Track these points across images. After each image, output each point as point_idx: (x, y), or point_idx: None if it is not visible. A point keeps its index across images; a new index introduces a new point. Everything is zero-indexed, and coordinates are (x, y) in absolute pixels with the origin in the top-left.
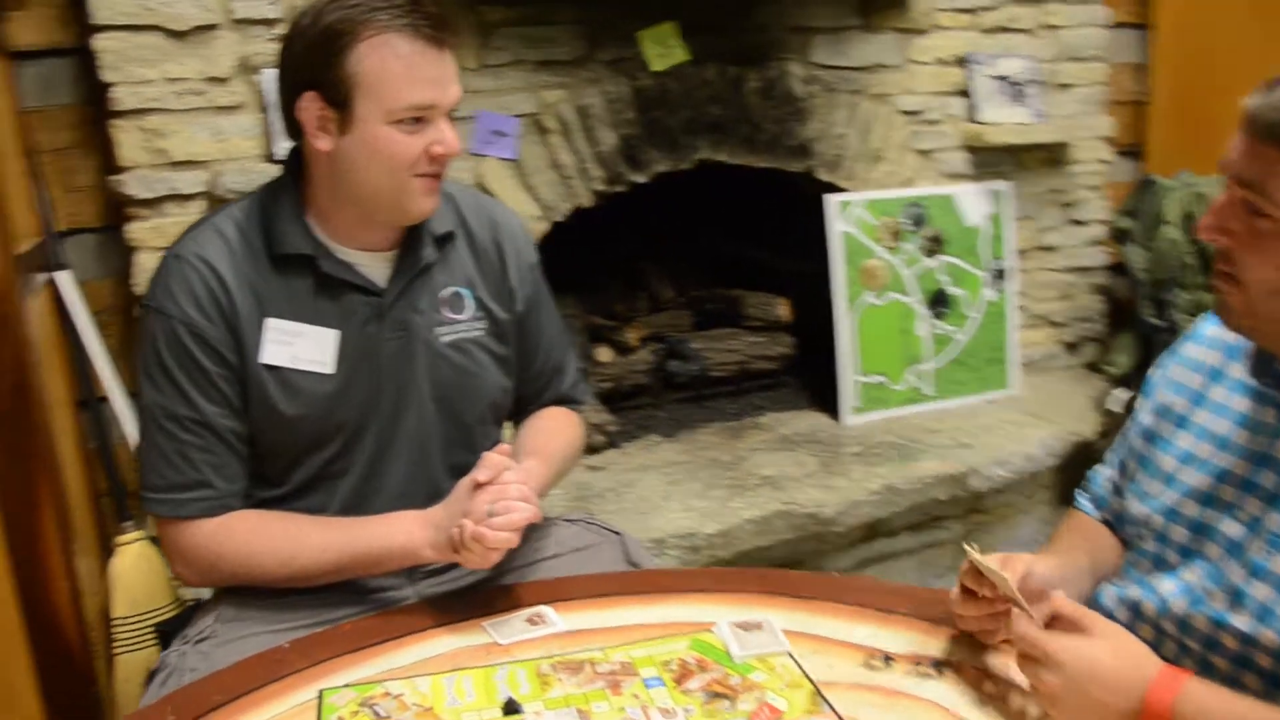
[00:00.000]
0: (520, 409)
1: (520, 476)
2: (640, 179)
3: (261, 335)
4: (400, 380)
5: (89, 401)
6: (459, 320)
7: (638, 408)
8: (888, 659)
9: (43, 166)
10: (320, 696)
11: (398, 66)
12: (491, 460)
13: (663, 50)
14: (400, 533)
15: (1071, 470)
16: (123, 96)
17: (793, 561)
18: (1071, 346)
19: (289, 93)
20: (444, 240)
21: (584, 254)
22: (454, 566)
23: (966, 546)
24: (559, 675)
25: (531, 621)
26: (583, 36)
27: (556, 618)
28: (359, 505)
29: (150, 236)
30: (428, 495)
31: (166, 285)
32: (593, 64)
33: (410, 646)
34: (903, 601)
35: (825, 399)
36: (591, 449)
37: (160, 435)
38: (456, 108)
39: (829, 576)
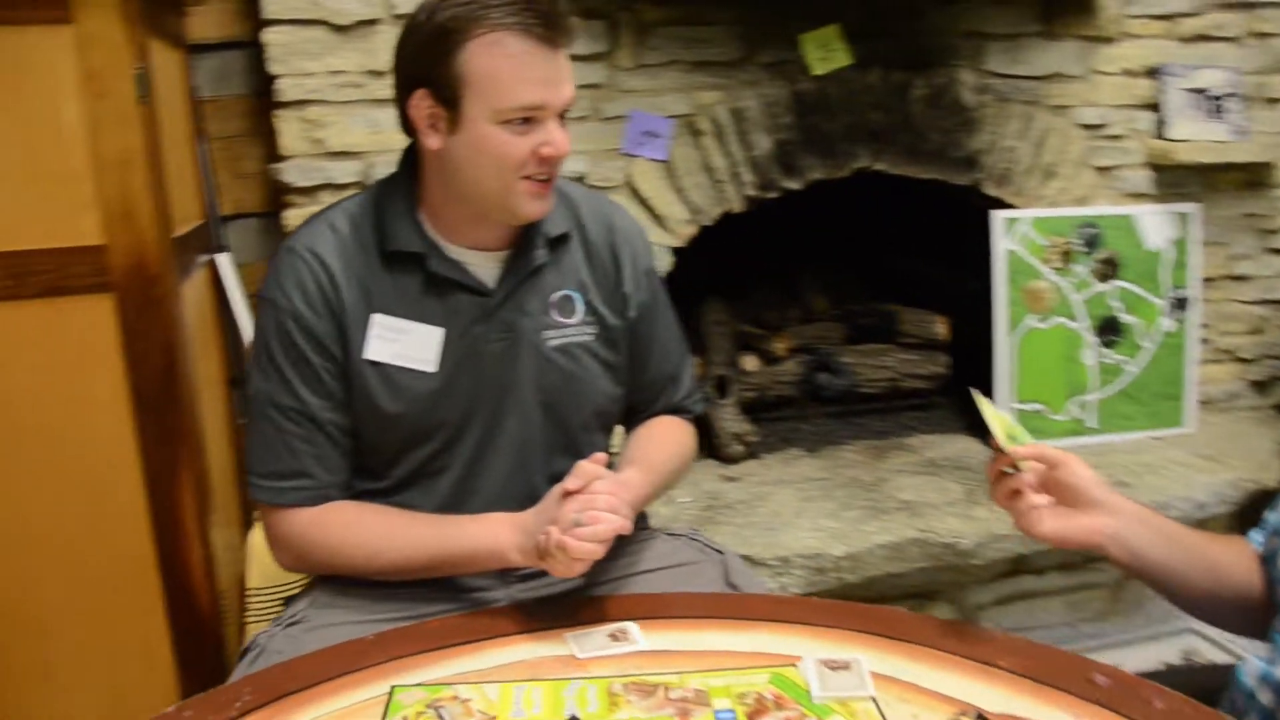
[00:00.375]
0: (631, 417)
1: (610, 488)
2: (794, 186)
3: (366, 330)
4: (504, 382)
5: (239, 379)
6: (568, 324)
7: (781, 419)
8: (980, 718)
9: (212, 153)
10: (391, 693)
11: (507, 66)
12: (583, 469)
13: (825, 54)
14: (488, 534)
15: (1246, 522)
16: (286, 88)
17: (928, 592)
18: (1260, 386)
19: (402, 90)
20: (557, 242)
21: (735, 260)
22: (547, 572)
23: (973, 391)
24: (629, 696)
25: (614, 637)
26: (741, 38)
27: (639, 636)
28: (457, 504)
29: None
30: (526, 499)
31: (278, 277)
32: (750, 66)
33: (489, 650)
34: (1009, 655)
35: (978, 424)
36: (728, 458)
37: (265, 423)
38: (569, 108)
39: (931, 619)
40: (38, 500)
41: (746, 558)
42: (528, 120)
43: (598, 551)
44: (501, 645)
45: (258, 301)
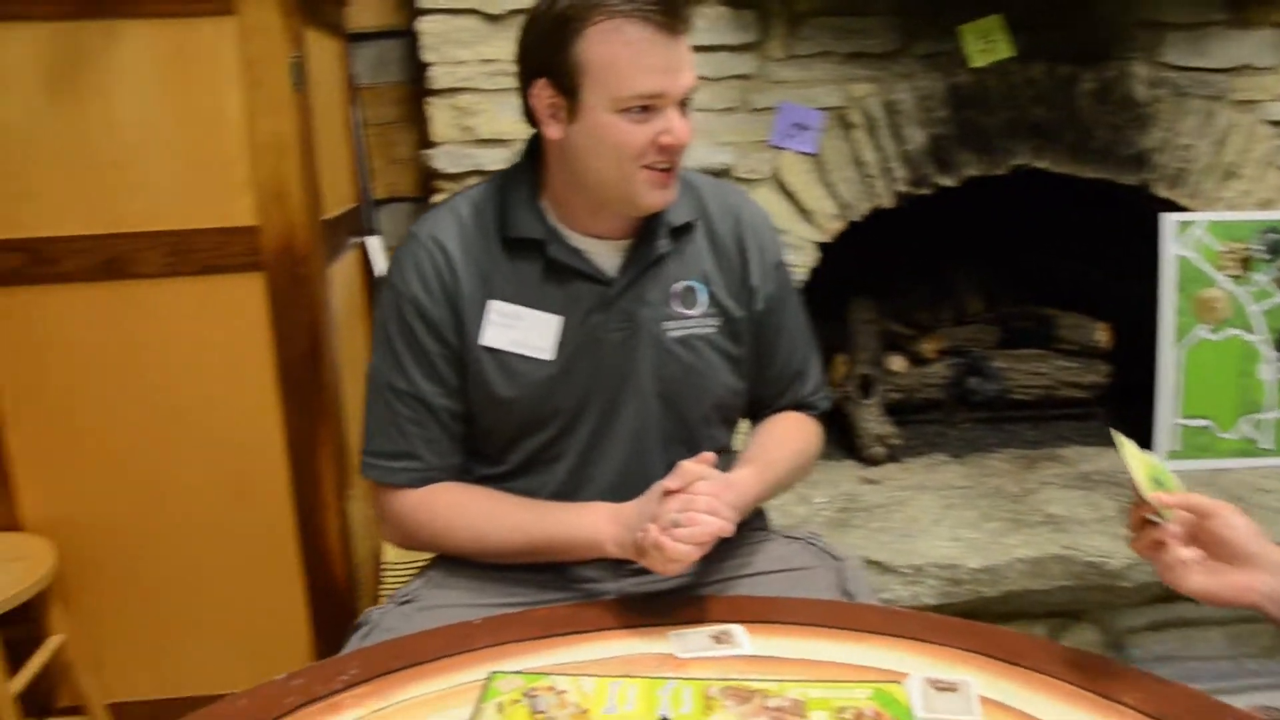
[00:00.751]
0: (756, 412)
1: (713, 488)
2: (948, 182)
3: (484, 317)
4: (622, 372)
5: None
6: (689, 316)
7: (926, 423)
8: None
9: (368, 138)
10: (489, 678)
11: (625, 54)
12: (685, 469)
13: (985, 45)
14: (588, 524)
15: None
16: (438, 76)
17: (1072, 612)
18: None
19: (523, 80)
20: (681, 232)
21: (885, 257)
22: None
23: (1114, 433)
24: (725, 701)
25: (717, 639)
26: (898, 29)
27: (744, 639)
28: (572, 492)
29: None
30: (642, 489)
31: (400, 262)
32: (906, 58)
33: (592, 643)
34: (1135, 691)
35: (1140, 439)
36: (869, 460)
37: (379, 403)
38: (690, 96)
39: (1053, 645)
40: (191, 465)
41: (878, 564)
42: (646, 109)
43: (694, 553)
44: (604, 638)
45: (384, 285)
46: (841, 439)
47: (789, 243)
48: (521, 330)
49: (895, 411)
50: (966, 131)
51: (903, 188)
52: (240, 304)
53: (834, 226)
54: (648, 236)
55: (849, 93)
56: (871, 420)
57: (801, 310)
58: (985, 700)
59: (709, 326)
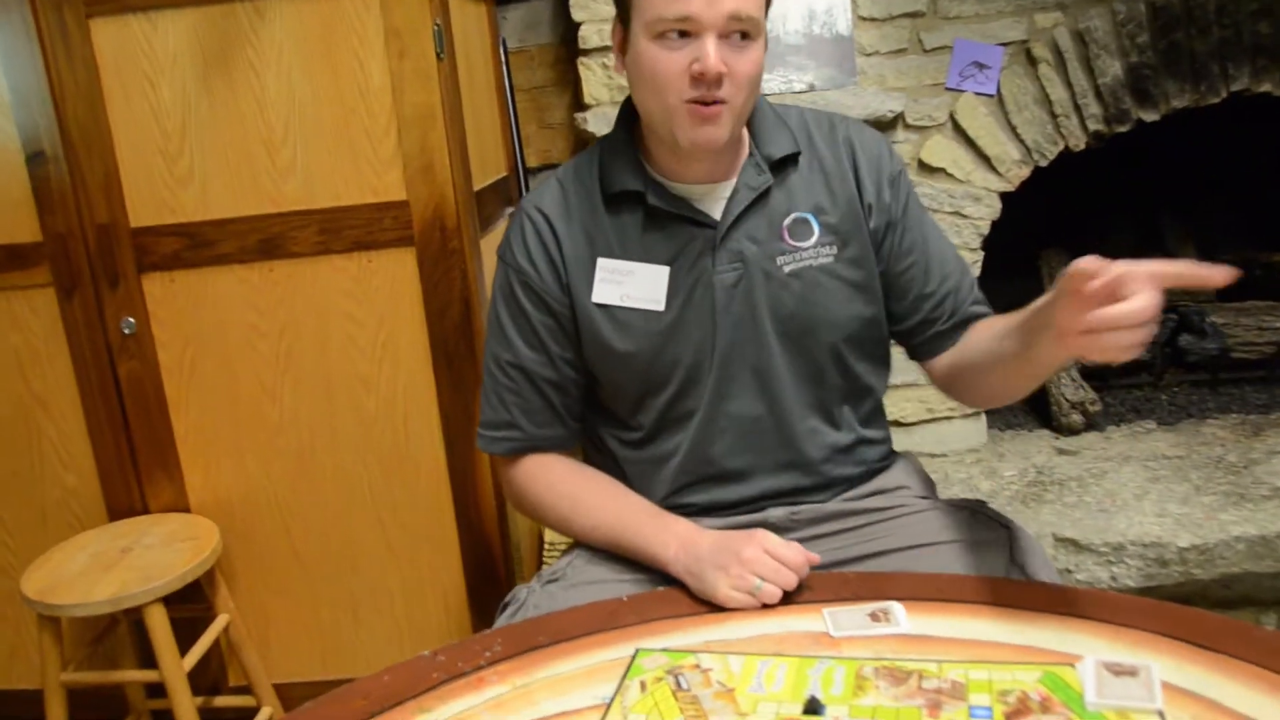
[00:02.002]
0: (921, 342)
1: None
2: (1151, 117)
3: (594, 276)
4: (738, 314)
5: None
6: (803, 247)
7: (1132, 387)
8: None
9: (518, 104)
10: (634, 655)
11: None
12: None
13: None
14: (659, 543)
15: None
16: (588, 35)
17: None
18: None
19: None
20: (783, 164)
21: (1080, 202)
22: (814, 539)
23: None
24: (879, 682)
25: (874, 617)
26: None
27: (903, 617)
28: (706, 444)
29: None
30: (781, 436)
31: (507, 236)
32: None
33: (742, 621)
34: None
35: None
36: (1065, 429)
37: (487, 374)
38: (736, 27)
39: (1254, 628)
40: (349, 444)
41: (1071, 541)
42: (684, 34)
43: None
44: (755, 616)
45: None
46: (1034, 406)
47: (970, 193)
48: (631, 284)
49: (1094, 375)
50: (1172, 58)
51: (1098, 126)
52: (392, 279)
53: (1020, 173)
54: (747, 172)
55: (1033, 24)
56: (1067, 384)
57: (936, 226)
58: (1169, 687)
59: (825, 256)
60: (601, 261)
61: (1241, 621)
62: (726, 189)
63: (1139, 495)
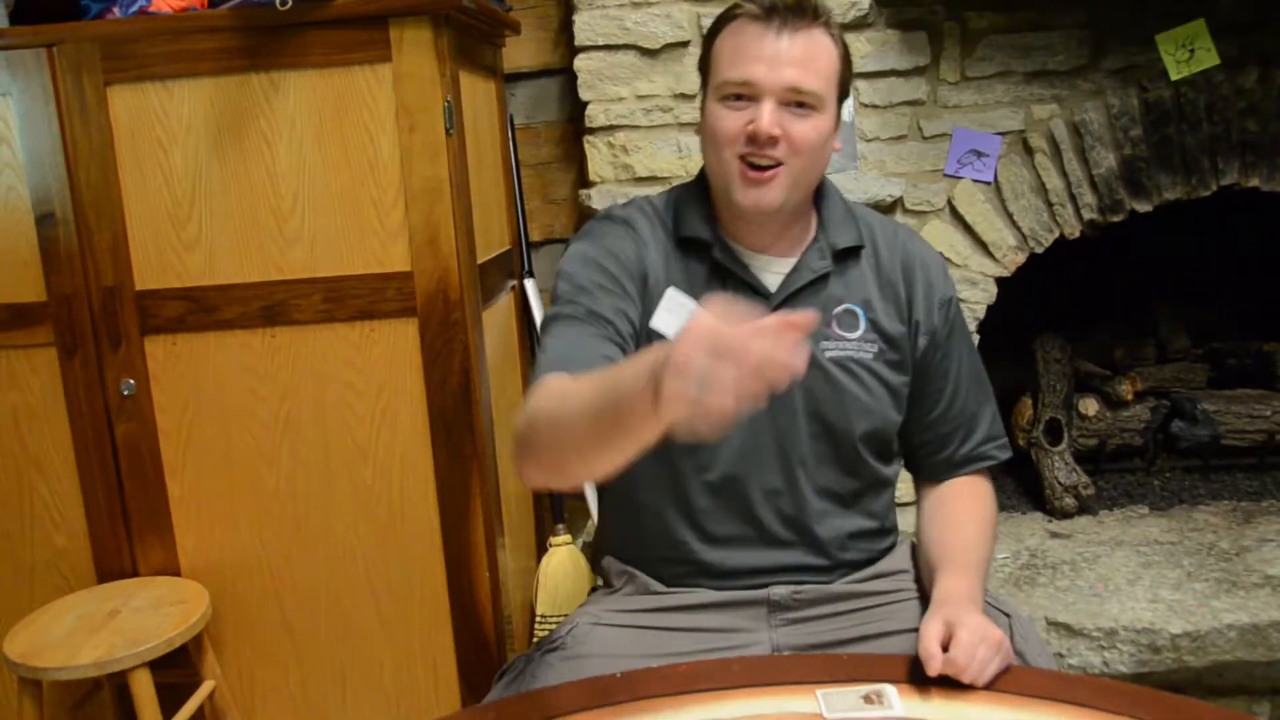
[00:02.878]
0: (919, 462)
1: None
2: (1143, 207)
3: (659, 300)
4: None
5: None
6: (847, 338)
7: (1125, 471)
8: None
9: (524, 179)
10: None
11: (730, 44)
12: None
13: (1186, 55)
14: (633, 368)
15: None
16: (595, 114)
17: None
18: None
19: None
20: (845, 255)
21: (1075, 291)
22: (814, 619)
23: None
24: None
25: (868, 699)
26: (1085, 42)
27: (896, 701)
28: (722, 505)
29: None
30: (794, 508)
31: (590, 231)
32: (1094, 73)
33: (737, 700)
34: None
35: None
36: (1058, 512)
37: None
38: (795, 96)
39: (1246, 717)
40: (343, 511)
41: (1064, 626)
42: (743, 98)
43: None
44: (750, 695)
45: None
46: (1027, 489)
47: (966, 277)
48: (687, 320)
49: (1087, 459)
50: (1164, 151)
51: (1092, 215)
52: (393, 349)
53: (1015, 259)
54: (810, 254)
55: (1030, 114)
56: (1060, 468)
57: (974, 355)
58: None
59: (866, 351)
60: (671, 291)
61: (1235, 711)
62: (785, 265)
63: (1131, 580)
